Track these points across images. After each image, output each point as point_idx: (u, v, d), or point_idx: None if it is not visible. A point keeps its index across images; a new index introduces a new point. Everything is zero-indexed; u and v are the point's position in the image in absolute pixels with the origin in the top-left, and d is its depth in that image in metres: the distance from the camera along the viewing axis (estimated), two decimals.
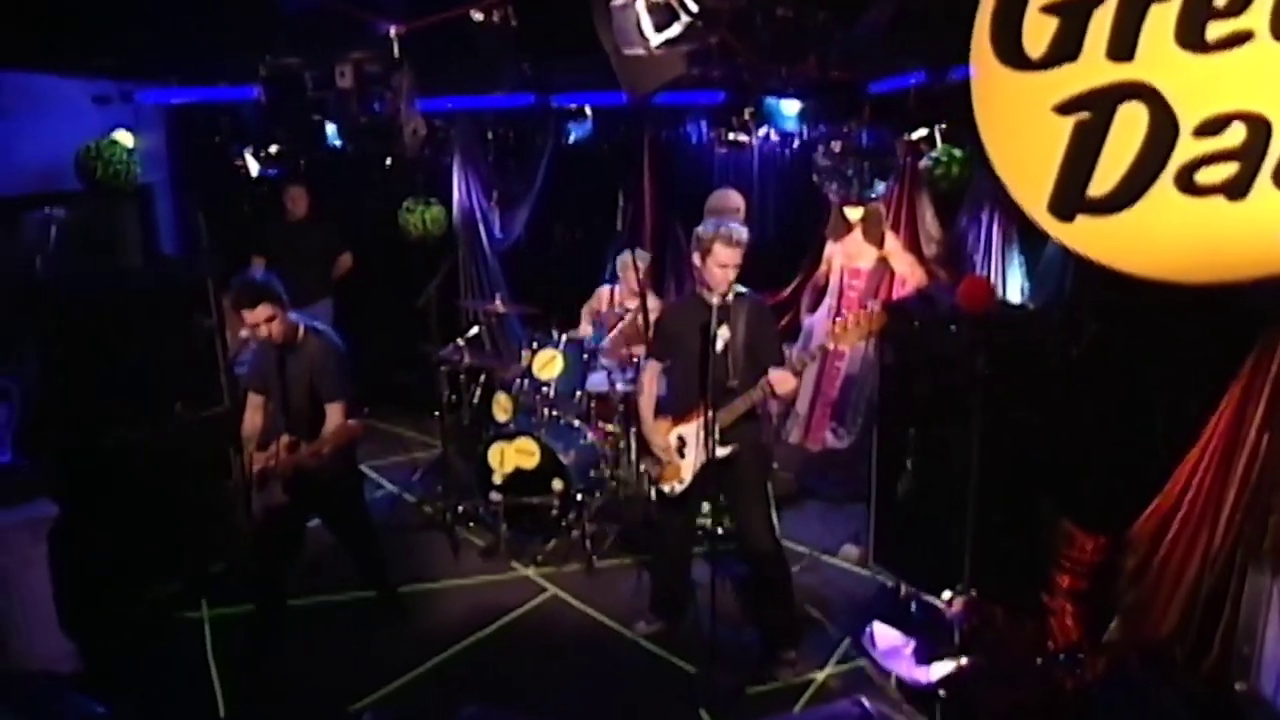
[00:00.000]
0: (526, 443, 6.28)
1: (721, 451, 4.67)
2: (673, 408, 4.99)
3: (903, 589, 5.57)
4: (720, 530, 5.64)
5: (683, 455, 4.97)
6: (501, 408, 6.81)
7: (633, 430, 6.52)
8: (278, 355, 4.87)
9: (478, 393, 7.43)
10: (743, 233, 4.57)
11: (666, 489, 5.03)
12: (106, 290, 5.58)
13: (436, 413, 6.61)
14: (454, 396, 7.17)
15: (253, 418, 5.05)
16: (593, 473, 6.50)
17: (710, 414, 4.49)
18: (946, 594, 4.90)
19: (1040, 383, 4.85)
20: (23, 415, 5.21)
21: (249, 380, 5.08)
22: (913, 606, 5.34)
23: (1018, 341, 4.94)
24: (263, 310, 4.68)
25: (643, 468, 5.27)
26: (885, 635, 5.02)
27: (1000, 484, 4.86)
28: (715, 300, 4.52)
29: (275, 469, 4.76)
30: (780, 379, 4.53)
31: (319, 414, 4.85)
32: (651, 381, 5.10)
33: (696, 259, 4.63)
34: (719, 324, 4.51)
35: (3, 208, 6.37)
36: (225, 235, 7.84)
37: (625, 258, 6.81)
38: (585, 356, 6.69)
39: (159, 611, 5.54)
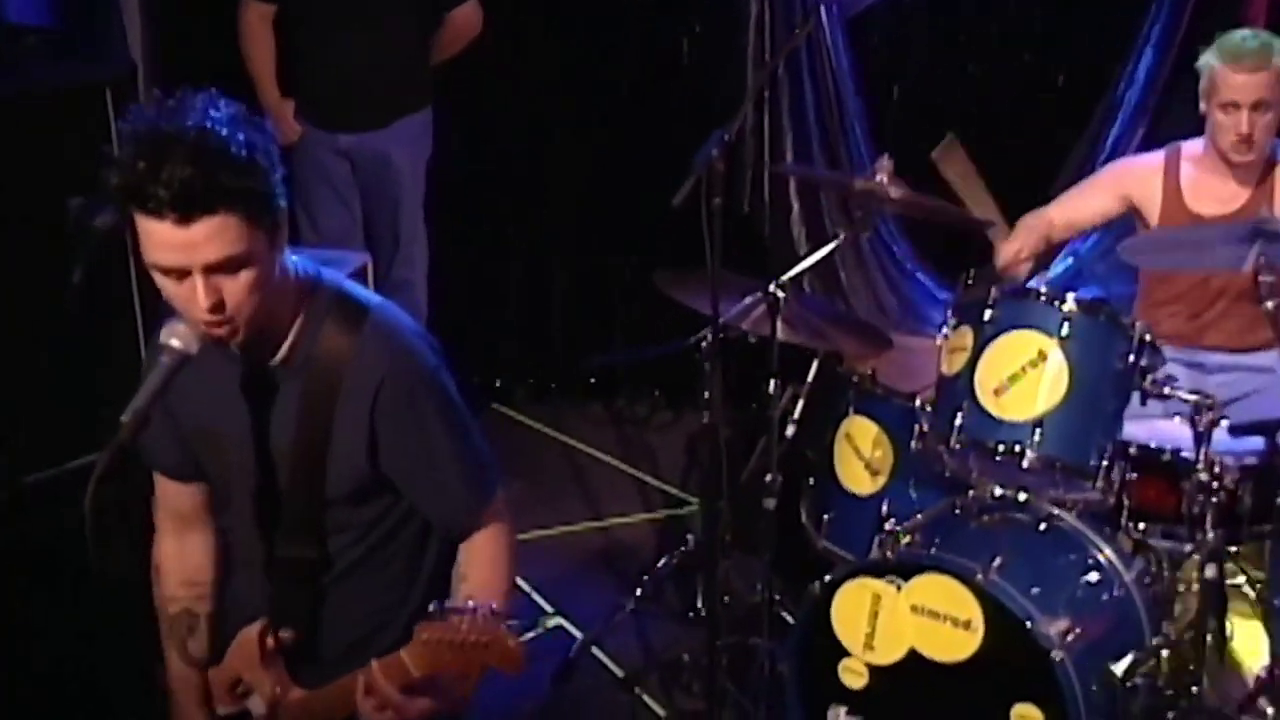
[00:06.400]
0: (945, 586, 2.76)
1: None
2: None
3: None
4: None
5: None
6: (862, 461, 3.25)
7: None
8: (242, 377, 1.90)
9: (798, 408, 3.54)
10: None
11: None
12: None
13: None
14: (714, 394, 3.31)
15: (176, 541, 2.10)
16: (1124, 678, 2.79)
17: None
18: None
19: None
20: None
21: (153, 444, 2.00)
22: None
23: None
24: (208, 228, 1.61)
25: None
26: None
27: None
28: None
29: None
30: None
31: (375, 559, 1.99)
32: None
33: None
34: None
35: None
36: None
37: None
38: (1131, 357, 2.83)
39: None
